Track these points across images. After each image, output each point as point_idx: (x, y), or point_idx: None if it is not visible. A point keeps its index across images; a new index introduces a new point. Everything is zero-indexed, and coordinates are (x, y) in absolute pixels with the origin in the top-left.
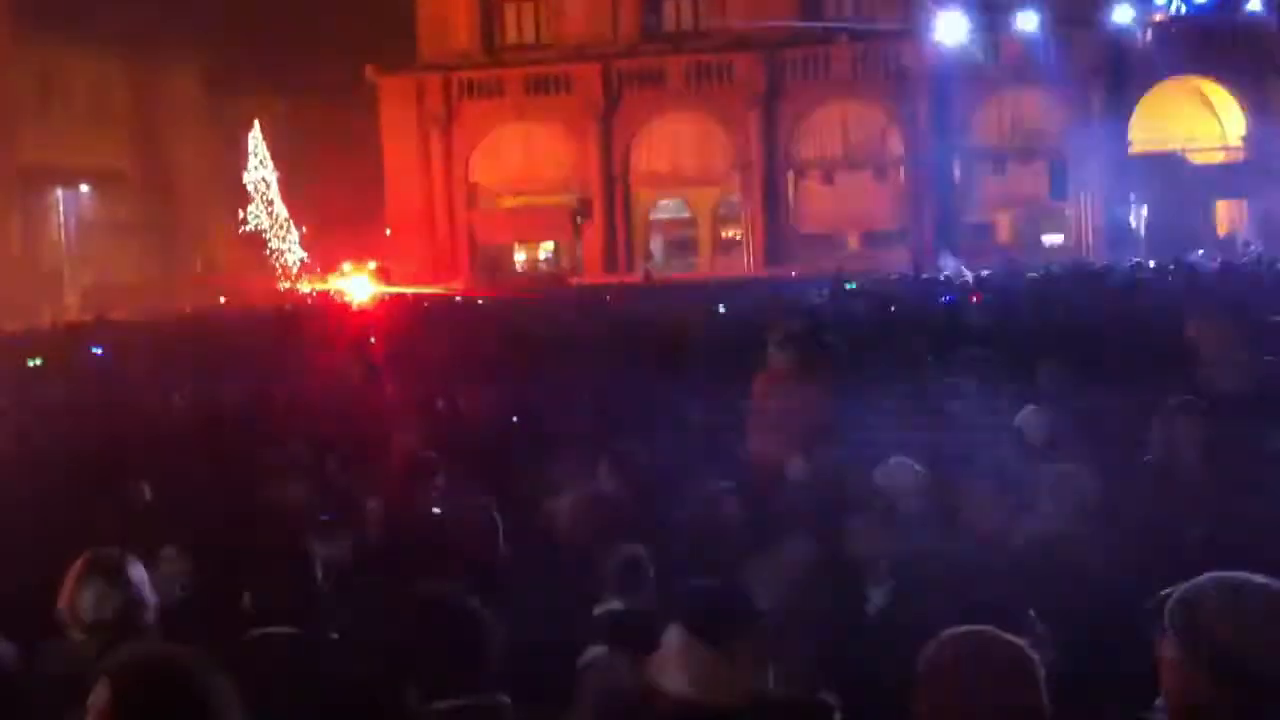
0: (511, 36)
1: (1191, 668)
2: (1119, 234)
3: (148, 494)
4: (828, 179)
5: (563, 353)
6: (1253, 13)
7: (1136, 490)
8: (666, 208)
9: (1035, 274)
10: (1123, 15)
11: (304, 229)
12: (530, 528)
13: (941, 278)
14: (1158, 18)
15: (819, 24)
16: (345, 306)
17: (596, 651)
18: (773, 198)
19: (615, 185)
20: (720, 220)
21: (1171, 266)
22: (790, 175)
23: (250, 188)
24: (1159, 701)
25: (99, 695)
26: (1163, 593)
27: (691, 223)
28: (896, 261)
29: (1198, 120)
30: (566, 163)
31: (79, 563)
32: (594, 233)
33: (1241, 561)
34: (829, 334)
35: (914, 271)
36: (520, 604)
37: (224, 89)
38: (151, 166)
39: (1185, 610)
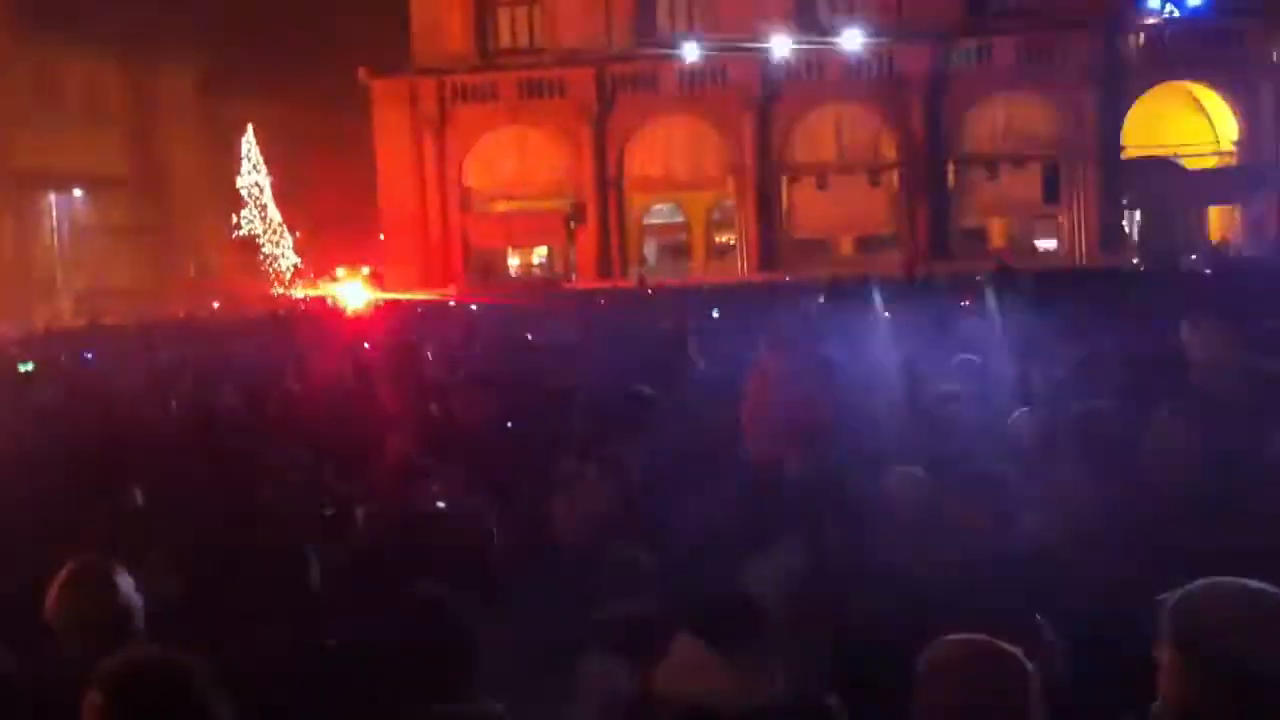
0: (505, 40)
1: (1189, 672)
2: (1112, 239)
3: (139, 498)
4: (821, 183)
5: (557, 356)
6: (1244, 17)
7: (1130, 495)
8: (660, 212)
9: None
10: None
11: (298, 234)
12: (527, 530)
13: None
14: (1150, 21)
15: (819, 41)
16: (339, 312)
17: (596, 656)
18: (766, 202)
19: (609, 189)
20: (714, 225)
21: (1165, 270)
22: (784, 180)
23: (244, 192)
24: (1156, 705)
25: (93, 700)
26: (1159, 598)
27: (685, 227)
28: (890, 266)
29: (1191, 125)
30: (560, 167)
31: (64, 570)
32: (588, 237)
33: (1237, 566)
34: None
35: (908, 276)
36: (519, 608)
37: (218, 93)
38: (145, 171)
39: (1182, 615)
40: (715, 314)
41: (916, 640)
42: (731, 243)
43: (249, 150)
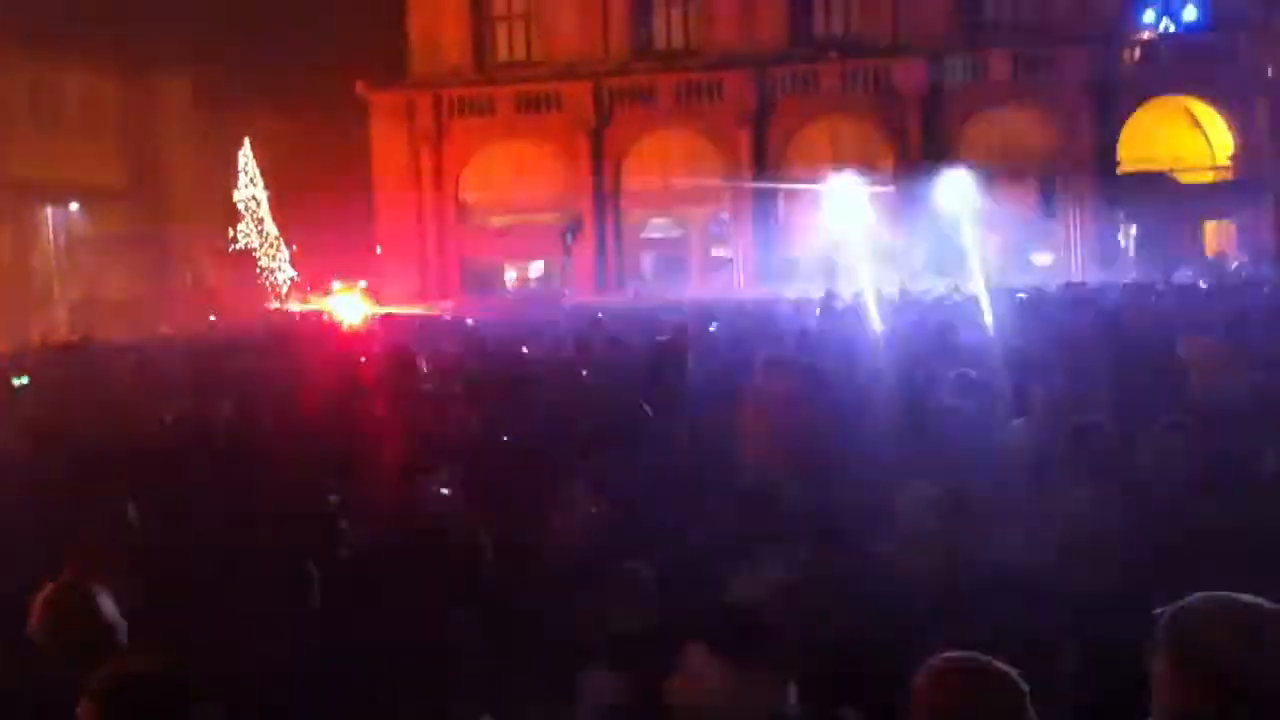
0: (503, 54)
1: (1185, 684)
2: (1107, 254)
3: (132, 512)
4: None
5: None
6: (1239, 31)
7: (1127, 508)
8: (657, 226)
9: (1024, 294)
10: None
11: (294, 247)
12: (523, 543)
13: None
14: (1145, 36)
15: (814, 56)
16: (335, 326)
17: (596, 671)
18: (763, 216)
19: (606, 203)
20: (711, 239)
21: (1161, 286)
22: (780, 194)
23: (240, 205)
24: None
25: (86, 711)
26: (1155, 611)
27: (682, 241)
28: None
29: (1186, 139)
30: (557, 181)
31: (45, 589)
32: (584, 251)
33: (1233, 579)
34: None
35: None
36: (515, 621)
37: (215, 106)
38: (142, 183)
39: (1178, 628)
40: (713, 328)
41: (912, 657)
42: (728, 256)
43: (246, 163)
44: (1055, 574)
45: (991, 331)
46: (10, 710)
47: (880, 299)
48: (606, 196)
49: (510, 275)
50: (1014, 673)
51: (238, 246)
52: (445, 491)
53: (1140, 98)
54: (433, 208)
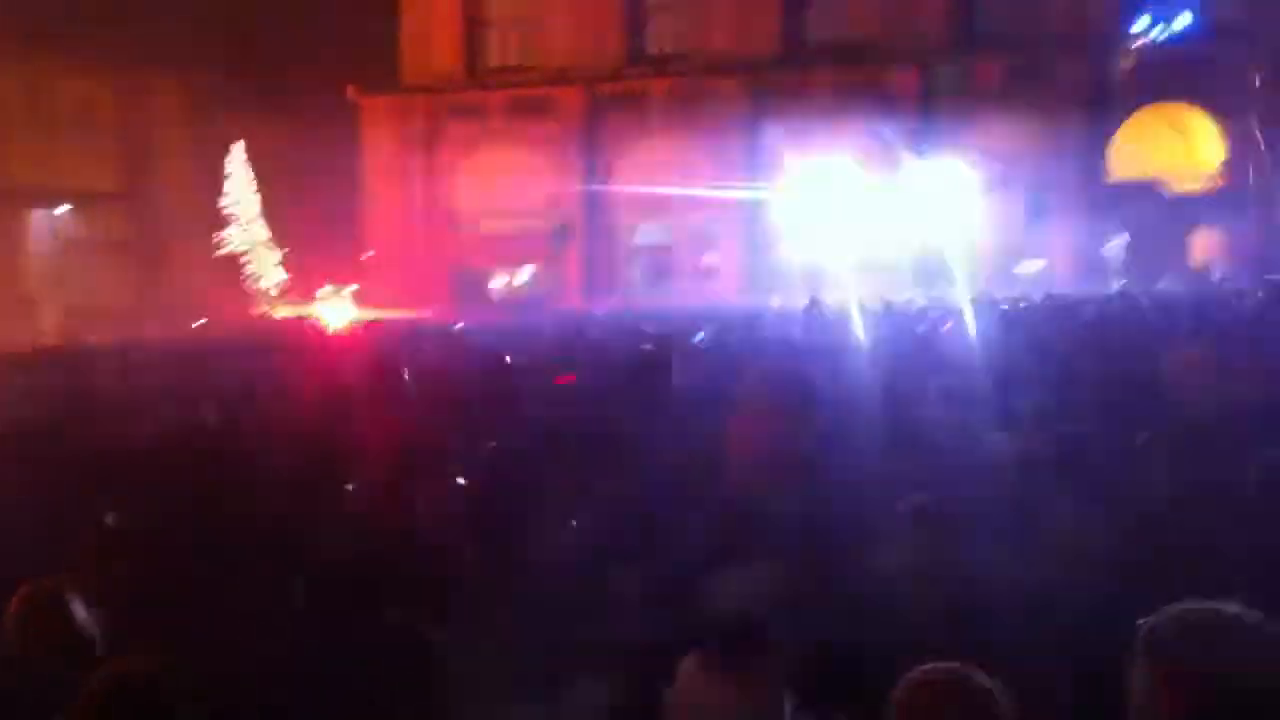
0: (495, 59)
1: (1164, 695)
2: (1095, 263)
3: (111, 517)
4: None
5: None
6: (1230, 42)
7: (1110, 521)
8: (647, 233)
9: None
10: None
11: (285, 251)
12: (507, 554)
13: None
14: (1136, 46)
15: (806, 62)
16: (322, 330)
17: (584, 681)
18: (752, 224)
19: (596, 209)
20: (700, 246)
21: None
22: (770, 201)
23: (231, 210)
24: None
25: (76, 714)
26: (1137, 622)
27: (671, 249)
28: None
29: (1176, 149)
30: (548, 186)
31: (14, 600)
32: (574, 257)
33: (1214, 592)
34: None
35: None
36: (500, 633)
37: (209, 110)
38: (134, 186)
39: (1157, 639)
40: (700, 336)
41: (901, 668)
42: (717, 264)
43: (237, 167)
44: (1040, 585)
45: (975, 342)
46: None
47: (864, 309)
48: (597, 202)
49: (499, 281)
50: (993, 685)
51: (228, 250)
52: (430, 498)
53: (1131, 107)
54: (423, 213)
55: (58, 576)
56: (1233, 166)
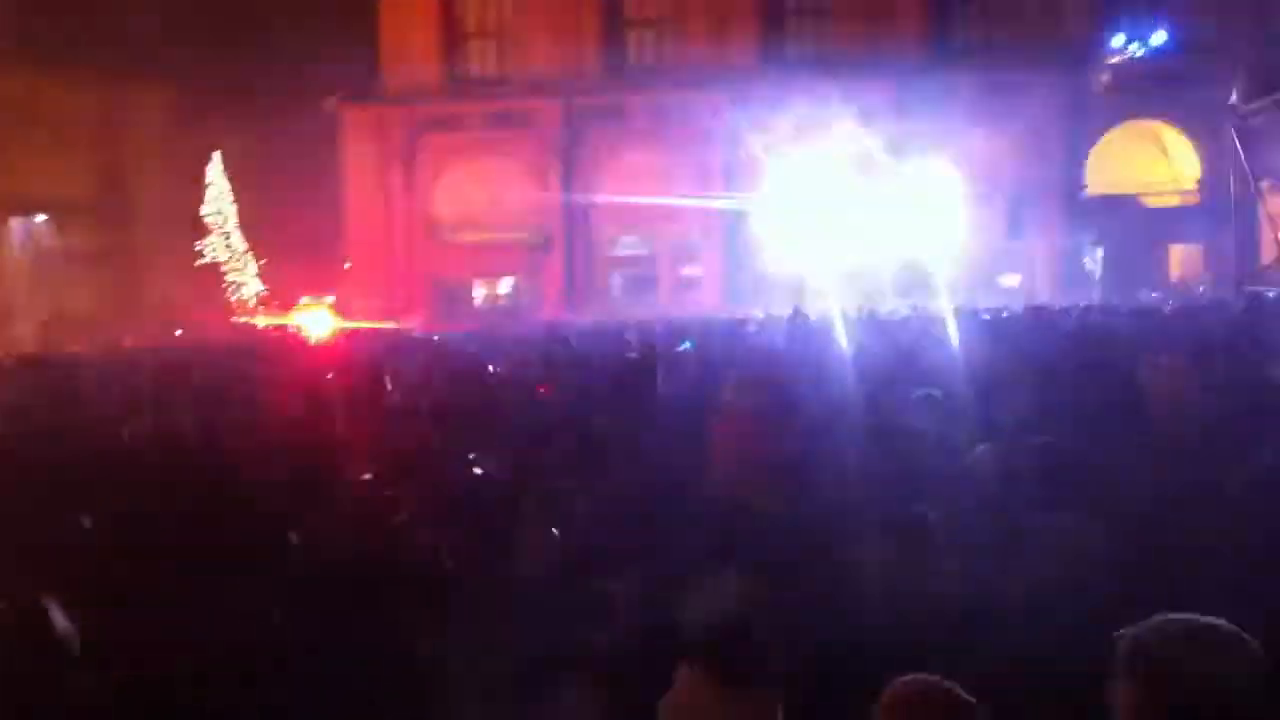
0: (475, 71)
1: (1145, 707)
2: (1074, 276)
3: (87, 525)
4: None
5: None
6: (1207, 57)
7: (1090, 531)
8: (627, 244)
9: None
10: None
11: (263, 261)
12: (488, 562)
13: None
14: (1114, 61)
15: (784, 76)
16: (302, 341)
17: (572, 689)
18: (733, 235)
19: (576, 221)
20: (680, 258)
21: (1124, 309)
22: (749, 213)
23: (209, 220)
24: None
25: None
26: (1116, 634)
27: (651, 260)
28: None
29: (1153, 163)
30: (527, 197)
31: None
32: (554, 269)
33: (1194, 603)
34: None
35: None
36: (481, 640)
37: (185, 119)
38: (110, 196)
39: (1138, 651)
40: (685, 346)
41: (886, 678)
42: (698, 276)
43: (215, 177)
44: (1021, 596)
45: (957, 353)
46: None
47: (847, 318)
48: (576, 214)
49: (479, 292)
50: (970, 698)
51: (206, 260)
52: (408, 508)
53: (1109, 121)
54: (402, 223)
55: (36, 583)
56: (1209, 181)
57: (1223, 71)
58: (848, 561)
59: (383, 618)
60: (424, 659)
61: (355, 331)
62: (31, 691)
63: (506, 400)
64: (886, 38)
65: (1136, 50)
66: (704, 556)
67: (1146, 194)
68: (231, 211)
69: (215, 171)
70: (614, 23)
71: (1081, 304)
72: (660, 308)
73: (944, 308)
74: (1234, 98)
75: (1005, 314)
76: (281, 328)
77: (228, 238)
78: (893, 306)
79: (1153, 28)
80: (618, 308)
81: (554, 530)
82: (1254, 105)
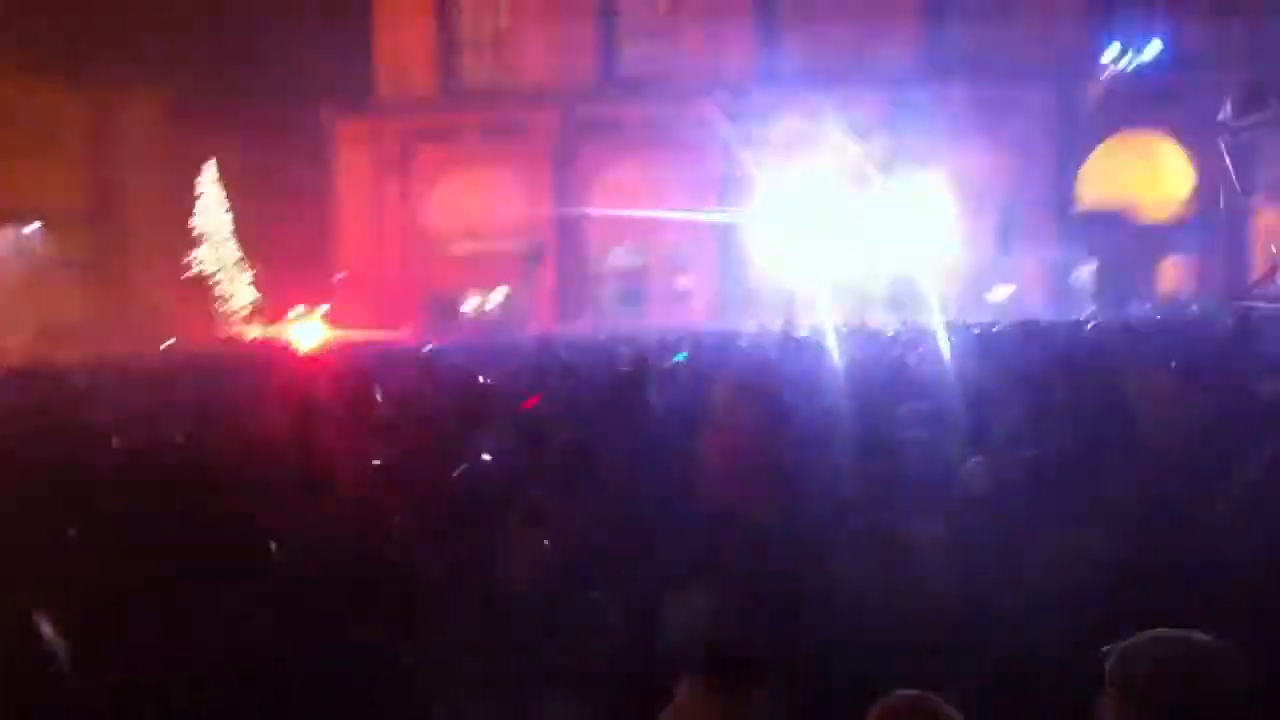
0: (470, 81)
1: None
2: (1066, 289)
3: (73, 535)
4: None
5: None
6: (1199, 71)
7: (1080, 544)
8: (621, 255)
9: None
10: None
11: (255, 271)
12: (475, 575)
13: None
14: (1108, 74)
15: (777, 87)
16: (293, 351)
17: (561, 705)
18: (726, 247)
19: (570, 232)
20: (673, 269)
21: (1117, 323)
22: (741, 225)
23: (202, 229)
24: None
25: None
26: (1104, 649)
27: (644, 272)
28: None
29: (1145, 177)
30: (521, 208)
31: None
32: (547, 280)
33: (1181, 618)
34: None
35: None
36: (467, 653)
37: (179, 128)
38: (103, 206)
39: (1125, 666)
40: (681, 358)
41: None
42: (690, 288)
43: (208, 187)
44: (1010, 610)
45: (949, 366)
46: None
47: (839, 332)
48: (570, 225)
49: (472, 302)
50: (958, 715)
51: (198, 270)
52: (396, 519)
53: (1101, 135)
54: (396, 234)
55: (24, 594)
56: (1202, 195)
57: (1216, 85)
58: (837, 572)
59: (368, 628)
60: (410, 670)
61: (347, 342)
62: (22, 702)
63: (496, 411)
64: (879, 50)
65: (1129, 63)
66: (694, 566)
67: (1138, 208)
68: (224, 221)
69: (208, 181)
70: (609, 34)
71: (1074, 319)
72: (652, 319)
73: (935, 321)
74: (1225, 113)
75: (996, 328)
76: (273, 338)
77: (219, 248)
78: (884, 320)
79: (1146, 41)
80: (610, 319)
81: (544, 541)
82: (1245, 121)
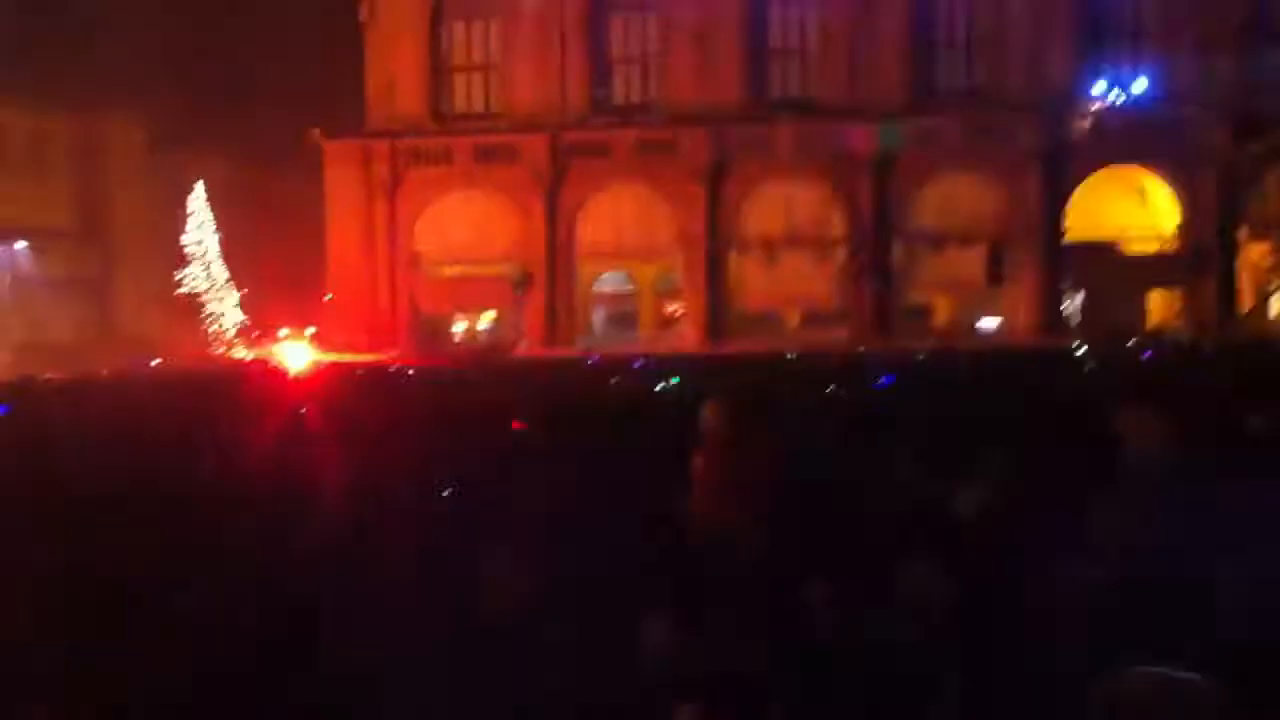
0: (460, 105)
1: None
2: (1053, 321)
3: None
4: (770, 257)
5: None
6: (1187, 105)
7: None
8: (609, 280)
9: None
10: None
11: (244, 291)
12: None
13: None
14: (1095, 107)
15: (768, 116)
16: (279, 373)
17: None
18: (715, 274)
19: (559, 256)
20: (662, 294)
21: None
22: (733, 252)
23: (190, 249)
24: None
25: None
26: (1090, 687)
27: (634, 296)
28: (836, 341)
29: (1133, 210)
30: (511, 232)
31: None
32: (536, 304)
33: (1166, 653)
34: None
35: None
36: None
37: (168, 148)
38: (90, 224)
39: (1110, 705)
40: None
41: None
42: (679, 313)
43: (197, 207)
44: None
45: (934, 395)
46: None
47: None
48: (559, 249)
49: (460, 326)
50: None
51: (186, 290)
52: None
53: (1089, 167)
54: (385, 256)
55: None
56: (1188, 227)
57: (1203, 119)
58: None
59: (341, 646)
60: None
61: (333, 364)
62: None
63: (481, 434)
64: (868, 82)
65: (1117, 98)
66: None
67: (1126, 240)
68: (213, 241)
69: (197, 201)
70: (600, 60)
71: (1060, 350)
72: (642, 344)
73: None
74: (1221, 145)
75: (983, 360)
76: (260, 359)
77: (208, 268)
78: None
79: (1134, 75)
80: (599, 343)
81: (533, 565)
82: (1252, 149)
